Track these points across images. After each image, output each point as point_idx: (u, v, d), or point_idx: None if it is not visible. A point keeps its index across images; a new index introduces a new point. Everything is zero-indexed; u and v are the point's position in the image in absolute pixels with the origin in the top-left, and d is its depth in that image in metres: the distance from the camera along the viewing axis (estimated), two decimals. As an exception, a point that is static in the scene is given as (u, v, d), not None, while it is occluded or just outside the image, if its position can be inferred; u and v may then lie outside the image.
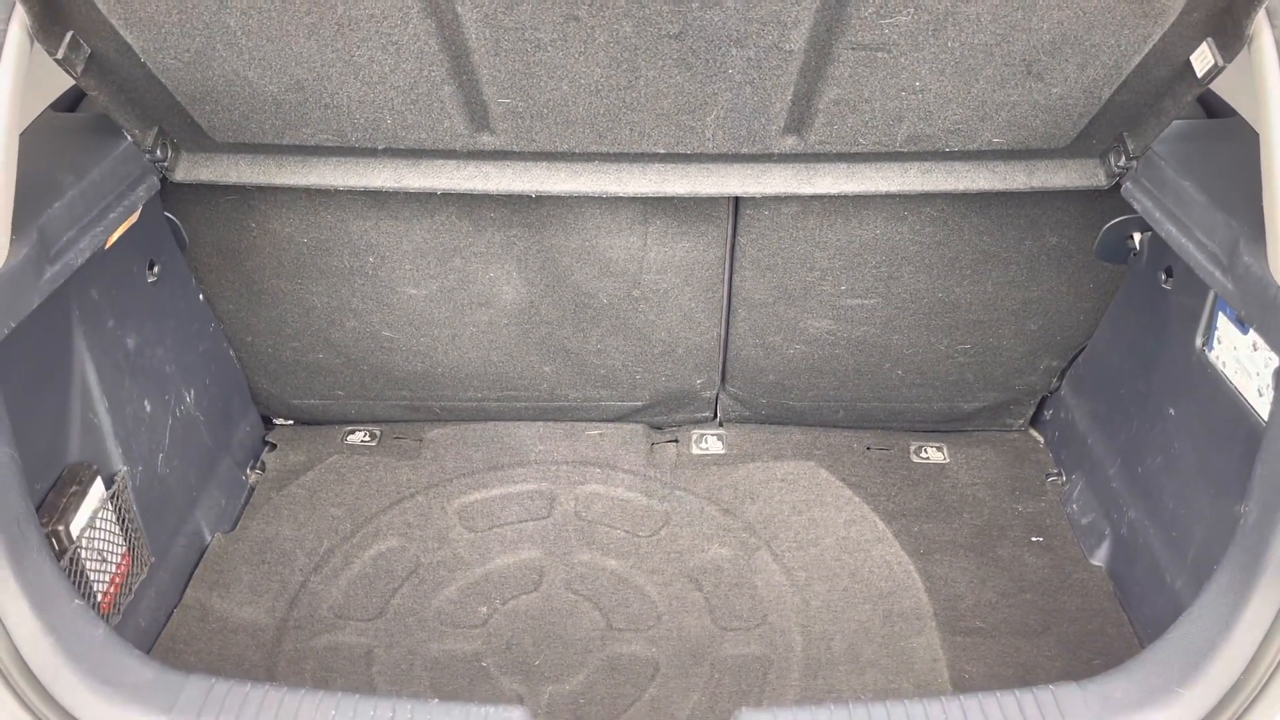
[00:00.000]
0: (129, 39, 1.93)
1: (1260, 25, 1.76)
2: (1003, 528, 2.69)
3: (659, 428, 3.03)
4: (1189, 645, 1.61)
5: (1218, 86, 2.15)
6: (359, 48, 1.94)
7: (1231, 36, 1.83)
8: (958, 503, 2.77)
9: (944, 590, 2.50)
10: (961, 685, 2.27)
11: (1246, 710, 1.54)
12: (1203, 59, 1.91)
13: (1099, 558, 2.56)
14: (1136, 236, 2.47)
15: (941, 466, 2.89)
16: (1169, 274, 2.37)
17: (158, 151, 2.25)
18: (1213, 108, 2.42)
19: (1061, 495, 2.77)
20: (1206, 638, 1.61)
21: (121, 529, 2.26)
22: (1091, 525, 2.61)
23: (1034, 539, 2.66)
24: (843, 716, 1.56)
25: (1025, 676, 2.29)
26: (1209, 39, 1.88)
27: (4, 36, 1.77)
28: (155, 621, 2.35)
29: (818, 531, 2.65)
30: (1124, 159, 2.24)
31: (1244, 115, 2.34)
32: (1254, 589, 1.61)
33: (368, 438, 2.99)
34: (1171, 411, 2.34)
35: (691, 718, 2.22)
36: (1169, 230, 2.11)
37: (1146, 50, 1.92)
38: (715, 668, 2.32)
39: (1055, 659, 2.33)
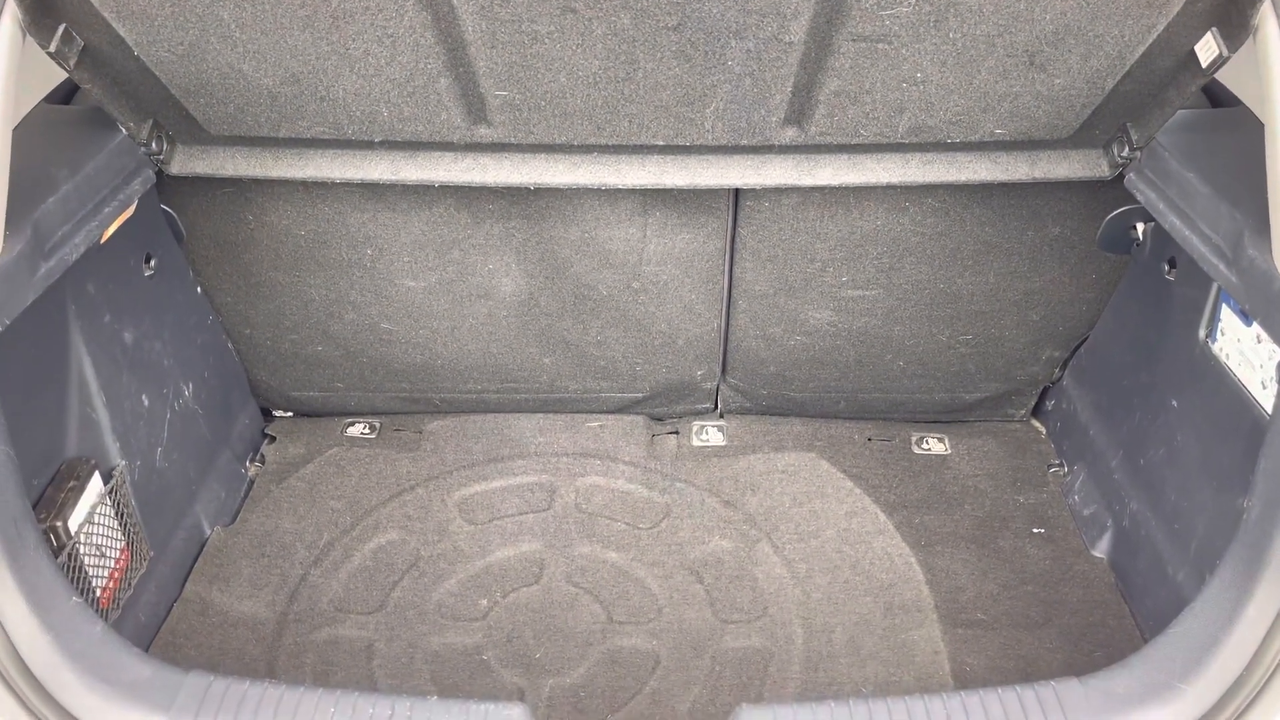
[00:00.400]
0: (122, 32, 1.91)
1: (1265, 15, 1.75)
2: (1004, 519, 2.69)
3: (659, 419, 3.02)
4: (1191, 641, 1.61)
5: (1221, 75, 2.13)
6: (354, 40, 1.93)
7: (1236, 26, 1.82)
8: (959, 494, 2.76)
9: (945, 582, 2.49)
10: (962, 678, 2.26)
11: (1249, 707, 1.54)
12: (1207, 49, 1.89)
13: (1101, 549, 2.55)
14: (1140, 227, 2.46)
15: (943, 458, 2.89)
16: (1172, 265, 2.35)
17: (153, 144, 2.24)
18: (1217, 97, 2.39)
19: (1063, 486, 2.76)
20: (1209, 633, 1.60)
21: (120, 524, 2.26)
22: (1093, 517, 2.60)
23: (1035, 530, 2.65)
24: (842, 713, 1.56)
25: (1026, 669, 2.29)
26: (1213, 29, 1.86)
27: (-4, 30, 1.76)
28: (155, 616, 2.35)
29: (818, 523, 2.65)
30: (1127, 149, 2.23)
31: (1249, 104, 2.32)
32: (1257, 585, 1.61)
33: (367, 430, 2.99)
34: (1174, 403, 2.32)
35: (692, 710, 2.22)
36: (1172, 222, 2.09)
37: (1150, 40, 1.90)
38: (716, 660, 2.32)
39: (1057, 651, 2.33)
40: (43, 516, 2.02)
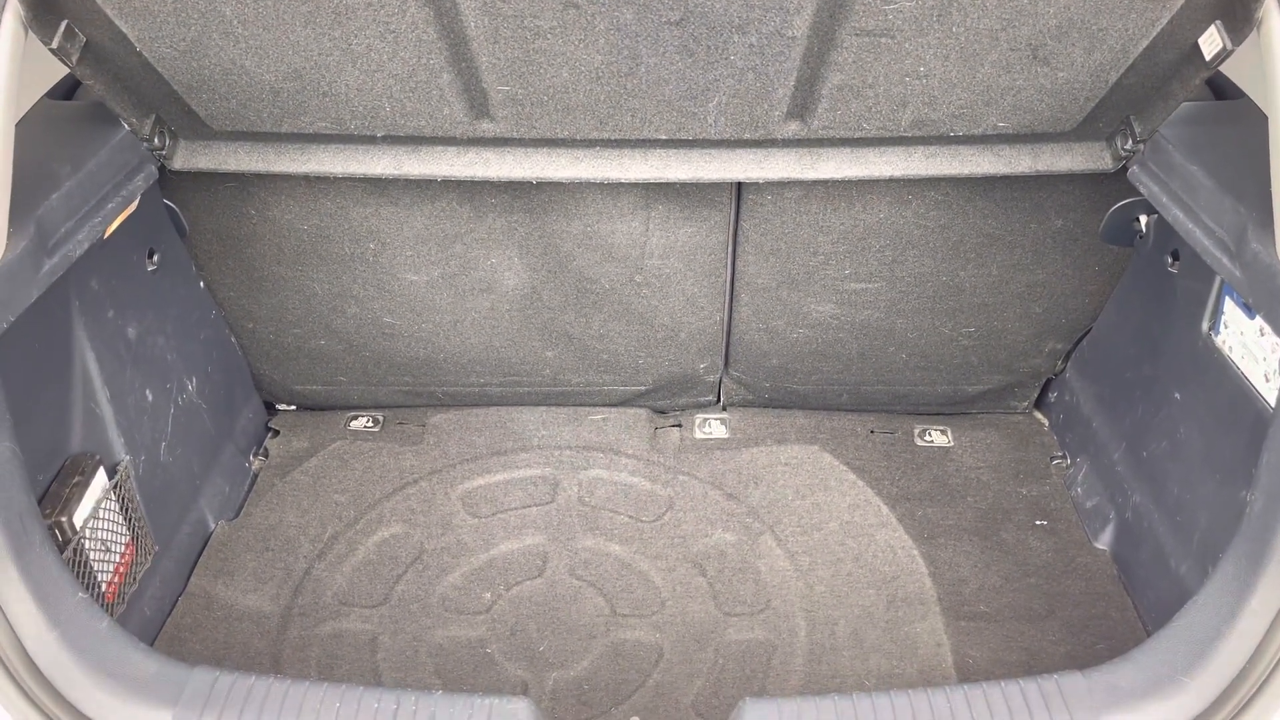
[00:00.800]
0: (124, 28, 1.91)
1: (1270, 8, 1.74)
2: (1007, 511, 2.69)
3: (662, 412, 3.03)
4: (1194, 634, 1.61)
5: (1225, 68, 2.13)
6: (356, 36, 1.92)
7: (1240, 20, 1.81)
8: (961, 486, 2.77)
9: (948, 575, 2.50)
10: (965, 670, 2.27)
11: (1251, 700, 1.54)
12: (1211, 42, 1.89)
13: (1103, 541, 2.56)
14: (1143, 219, 2.45)
15: (945, 450, 2.89)
16: (1175, 257, 2.35)
17: (155, 140, 2.24)
18: (1220, 89, 2.39)
19: (1066, 478, 2.77)
20: (1212, 626, 1.60)
21: (125, 519, 2.27)
22: (1096, 509, 2.61)
23: (1038, 522, 2.65)
24: (845, 706, 1.56)
25: (1029, 661, 2.29)
26: (1217, 22, 1.86)
27: (-1, 26, 1.76)
28: (160, 610, 2.36)
29: (821, 516, 2.65)
30: (1130, 142, 2.22)
31: (1252, 97, 2.31)
32: (1260, 578, 1.61)
33: (371, 423, 2.99)
34: (1177, 396, 2.32)
35: (696, 703, 2.23)
36: (1176, 215, 2.09)
37: (1154, 34, 1.89)
38: (719, 653, 2.33)
39: (1059, 643, 2.34)
40: (48, 512, 2.03)
